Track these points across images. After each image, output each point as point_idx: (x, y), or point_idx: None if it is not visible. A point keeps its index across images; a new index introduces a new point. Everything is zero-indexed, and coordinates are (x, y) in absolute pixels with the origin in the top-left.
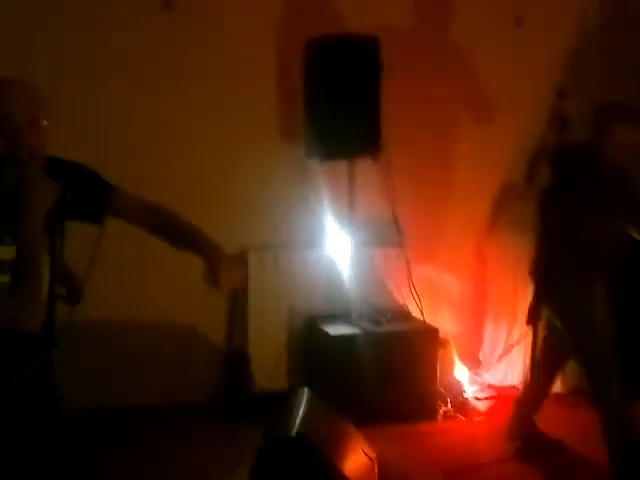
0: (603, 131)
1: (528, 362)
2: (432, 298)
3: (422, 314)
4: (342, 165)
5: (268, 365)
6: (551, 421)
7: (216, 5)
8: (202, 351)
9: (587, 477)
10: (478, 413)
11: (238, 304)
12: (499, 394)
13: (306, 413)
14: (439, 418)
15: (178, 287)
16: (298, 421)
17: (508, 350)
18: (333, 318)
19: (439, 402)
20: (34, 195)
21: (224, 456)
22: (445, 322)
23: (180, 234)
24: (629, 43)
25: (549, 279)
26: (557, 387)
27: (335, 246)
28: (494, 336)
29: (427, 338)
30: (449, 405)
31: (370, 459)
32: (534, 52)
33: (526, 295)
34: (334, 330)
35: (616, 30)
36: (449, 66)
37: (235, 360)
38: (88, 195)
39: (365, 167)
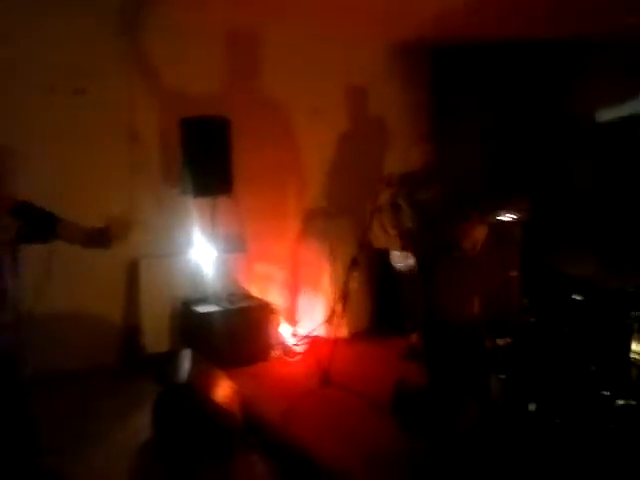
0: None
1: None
2: (267, 284)
3: (259, 294)
4: (207, 200)
5: (155, 335)
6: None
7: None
8: (107, 327)
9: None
10: (297, 354)
11: (133, 293)
12: (310, 342)
13: (190, 366)
14: (273, 360)
15: (92, 282)
16: (186, 372)
17: (313, 314)
18: (201, 301)
19: (272, 350)
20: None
21: (127, 401)
22: (275, 298)
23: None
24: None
25: None
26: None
27: (202, 253)
28: (306, 305)
29: (263, 310)
30: (279, 351)
31: (234, 389)
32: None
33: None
34: (202, 309)
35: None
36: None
37: (131, 332)
38: (40, 226)
39: (223, 201)
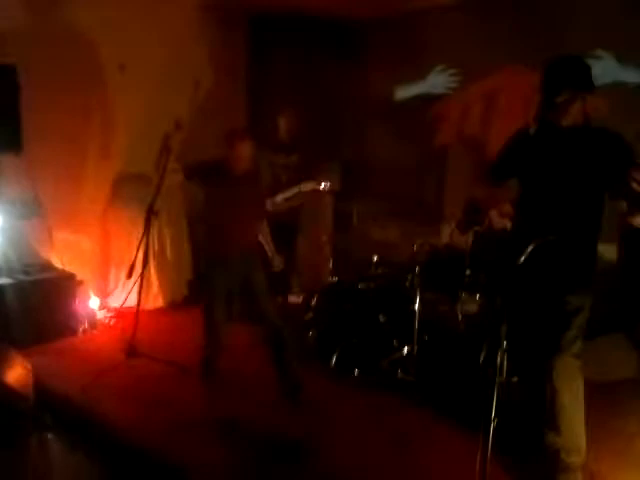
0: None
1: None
2: (71, 253)
3: (62, 265)
4: None
5: None
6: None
7: None
8: None
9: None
10: (107, 327)
11: None
12: (121, 314)
13: None
14: (80, 334)
15: None
16: None
17: (125, 284)
18: None
19: (79, 324)
20: None
21: None
22: (82, 269)
23: None
24: None
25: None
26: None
27: None
28: (116, 275)
29: (66, 282)
30: (86, 325)
31: (26, 368)
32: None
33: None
34: None
35: None
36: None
37: None
38: None
39: (10, 159)
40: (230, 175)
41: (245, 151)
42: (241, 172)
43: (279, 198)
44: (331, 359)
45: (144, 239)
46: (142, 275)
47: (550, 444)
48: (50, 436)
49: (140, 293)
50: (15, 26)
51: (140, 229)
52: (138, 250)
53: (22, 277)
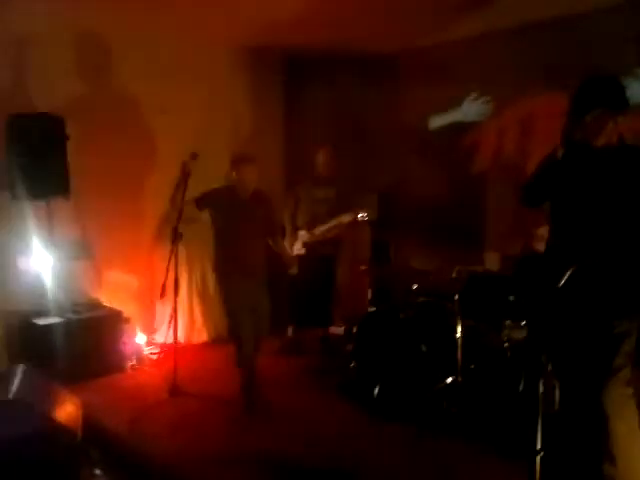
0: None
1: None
2: (118, 291)
3: (110, 303)
4: (42, 204)
5: None
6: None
7: None
8: None
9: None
10: (154, 363)
11: None
12: (167, 350)
13: (20, 382)
14: (128, 370)
15: None
16: (14, 388)
17: (170, 321)
18: (42, 313)
19: (126, 360)
20: None
21: None
22: (128, 306)
23: None
24: None
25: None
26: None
27: (40, 261)
28: (161, 312)
29: (114, 319)
30: (134, 361)
31: (75, 405)
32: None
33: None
34: (42, 321)
35: None
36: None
37: None
38: None
39: (61, 204)
40: (237, 199)
41: (250, 175)
42: (247, 194)
43: (318, 230)
44: (373, 391)
45: (172, 259)
46: (175, 302)
47: (606, 475)
48: (98, 471)
49: (176, 331)
50: (65, 81)
51: (185, 267)
52: (168, 271)
53: (71, 316)
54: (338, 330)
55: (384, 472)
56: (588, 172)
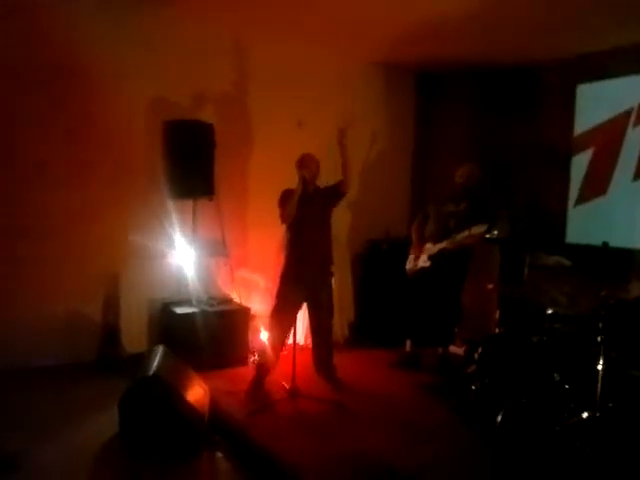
0: None
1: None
2: (247, 289)
3: (240, 299)
4: (189, 203)
5: (135, 335)
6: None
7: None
8: (87, 326)
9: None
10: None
11: (113, 293)
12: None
13: (160, 361)
14: (250, 365)
15: (75, 282)
16: (155, 365)
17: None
18: (181, 303)
19: (250, 355)
20: None
21: (102, 398)
22: (255, 304)
23: None
24: None
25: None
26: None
27: (183, 256)
28: None
29: (243, 314)
30: (256, 357)
31: (204, 390)
32: None
33: None
34: (181, 310)
35: None
36: (264, 140)
37: (111, 332)
38: None
39: (204, 204)
40: (304, 195)
41: (311, 170)
42: (312, 190)
43: (445, 242)
44: (496, 418)
45: None
46: None
47: None
48: (219, 455)
49: (295, 332)
50: (213, 91)
51: None
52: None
53: (206, 308)
54: (458, 350)
55: None
56: None
